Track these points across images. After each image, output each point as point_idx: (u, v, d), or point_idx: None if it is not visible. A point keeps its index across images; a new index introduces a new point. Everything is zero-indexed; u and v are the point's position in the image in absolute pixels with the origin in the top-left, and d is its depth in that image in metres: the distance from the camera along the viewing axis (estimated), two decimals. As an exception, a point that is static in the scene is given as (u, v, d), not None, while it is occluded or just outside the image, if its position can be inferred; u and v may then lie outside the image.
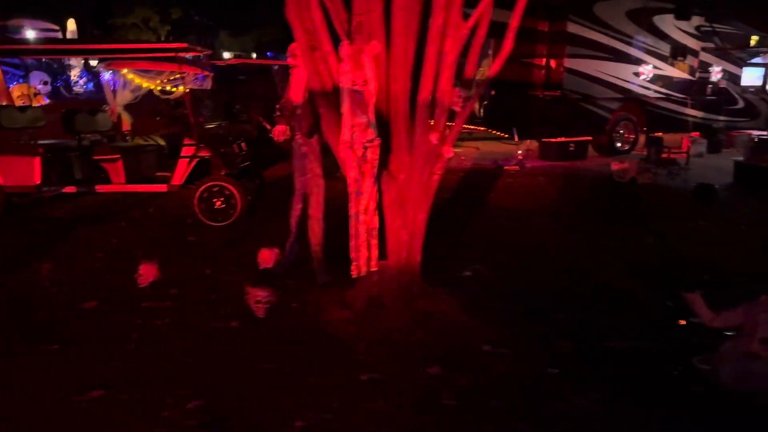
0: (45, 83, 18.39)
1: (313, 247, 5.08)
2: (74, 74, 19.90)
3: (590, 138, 13.70)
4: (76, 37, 21.77)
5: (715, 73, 14.87)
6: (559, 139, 13.23)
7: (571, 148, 13.44)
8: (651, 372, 4.17)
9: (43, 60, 18.42)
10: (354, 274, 4.49)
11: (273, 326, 4.54)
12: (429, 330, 4.67)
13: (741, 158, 11.45)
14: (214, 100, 12.35)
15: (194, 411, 3.57)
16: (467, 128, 13.42)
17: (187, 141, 7.48)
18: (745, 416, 3.69)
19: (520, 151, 12.63)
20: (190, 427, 3.43)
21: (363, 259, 4.42)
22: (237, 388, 3.80)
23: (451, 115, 4.57)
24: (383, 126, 4.53)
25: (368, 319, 4.68)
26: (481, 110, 12.82)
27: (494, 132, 13.10)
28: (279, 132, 4.82)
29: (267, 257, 4.95)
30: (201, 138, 7.53)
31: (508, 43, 4.26)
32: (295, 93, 4.88)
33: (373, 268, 4.53)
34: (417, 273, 4.86)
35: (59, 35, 21.70)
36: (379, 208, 4.60)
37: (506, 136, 12.90)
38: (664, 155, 11.23)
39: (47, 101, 15.41)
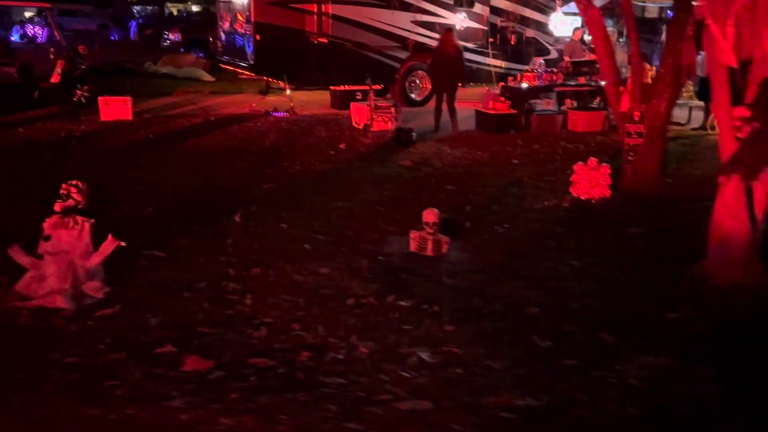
0: None
1: None
2: None
3: (380, 87, 13.87)
4: None
5: (519, 23, 14.94)
6: (343, 88, 13.40)
7: (358, 97, 13.60)
8: None
9: None
10: None
11: None
12: None
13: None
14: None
15: None
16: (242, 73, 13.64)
17: None
18: None
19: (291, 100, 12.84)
20: None
21: None
22: None
23: None
24: None
25: None
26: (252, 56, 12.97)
27: (265, 78, 13.28)
28: None
29: None
30: None
31: None
32: None
33: None
34: None
35: None
36: None
37: (279, 83, 13.08)
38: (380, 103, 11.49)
39: None
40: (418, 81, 14.23)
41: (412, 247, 5.85)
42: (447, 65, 11.06)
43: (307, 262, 5.39)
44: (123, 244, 5.03)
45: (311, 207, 6.97)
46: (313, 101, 14.01)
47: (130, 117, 11.25)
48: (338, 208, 6.98)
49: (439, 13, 13.69)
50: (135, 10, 41.06)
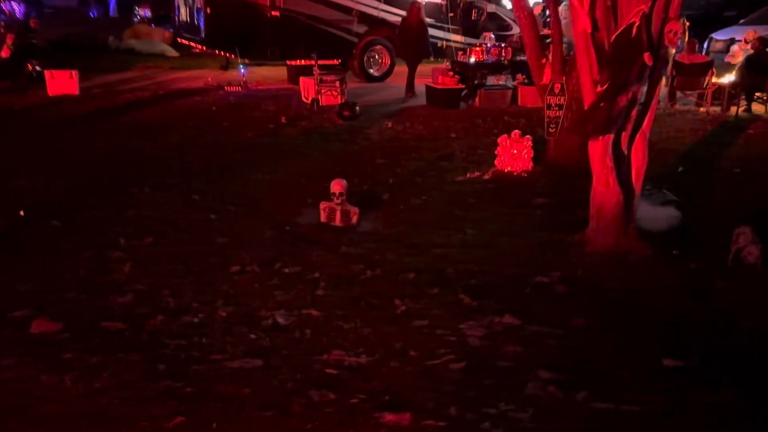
0: None
1: None
2: None
3: (337, 62, 13.79)
4: None
5: (478, -2, 14.87)
6: (299, 62, 13.33)
7: (315, 72, 13.56)
8: None
9: None
10: None
11: None
12: None
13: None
14: None
15: None
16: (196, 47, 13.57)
17: None
18: None
19: (244, 73, 12.80)
20: None
21: None
22: None
23: None
24: None
25: None
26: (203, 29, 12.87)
27: (218, 52, 13.22)
28: None
29: None
30: None
31: None
32: None
33: None
34: None
35: None
36: None
37: (232, 56, 13.02)
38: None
39: None
40: (377, 56, 14.17)
41: (322, 217, 5.89)
42: (409, 37, 11.81)
43: (206, 232, 5.42)
44: (21, 213, 5.08)
45: (233, 179, 6.99)
46: (273, 76, 13.96)
47: (76, 91, 11.18)
48: (260, 180, 7.01)
49: (395, -14, 13.57)
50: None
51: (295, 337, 3.56)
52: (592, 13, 4.17)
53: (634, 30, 3.95)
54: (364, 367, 3.24)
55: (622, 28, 3.99)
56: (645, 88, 4.52)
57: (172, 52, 17.09)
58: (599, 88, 4.20)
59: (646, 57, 4.01)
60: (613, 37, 4.07)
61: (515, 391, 3.01)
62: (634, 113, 4.38)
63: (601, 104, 4.13)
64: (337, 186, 5.86)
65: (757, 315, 3.82)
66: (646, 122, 4.49)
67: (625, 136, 4.49)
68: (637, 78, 4.10)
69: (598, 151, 4.43)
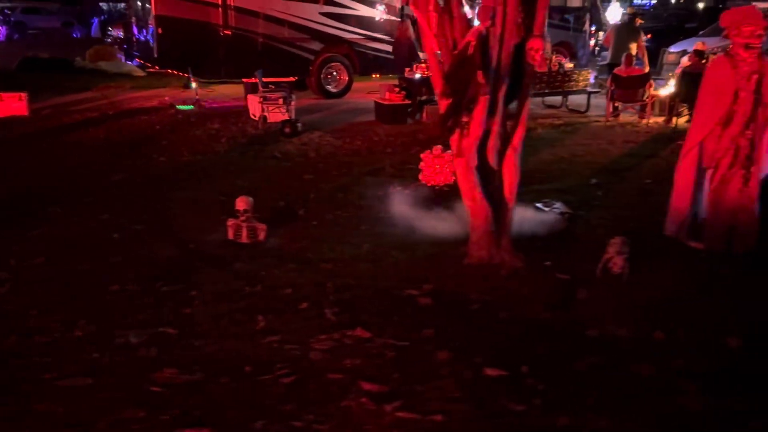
0: None
1: None
2: None
3: (294, 79, 13.92)
4: None
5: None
6: (255, 80, 13.46)
7: (271, 89, 13.69)
8: None
9: None
10: None
11: None
12: None
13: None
14: None
15: None
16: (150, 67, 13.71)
17: None
18: None
19: (197, 91, 12.91)
20: None
21: None
22: None
23: None
24: None
25: None
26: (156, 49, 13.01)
27: (171, 71, 13.35)
28: None
29: None
30: None
31: None
32: None
33: None
34: None
35: None
36: None
37: (186, 75, 13.14)
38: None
39: None
40: (334, 73, 14.31)
41: (230, 234, 5.94)
42: (399, 52, 13.12)
43: (104, 251, 5.43)
44: None
45: (153, 196, 7.00)
46: (231, 93, 14.07)
47: (25, 113, 11.28)
48: (180, 198, 7.03)
49: (347, 4, 13.75)
50: (103, 8, 40.97)
51: (139, 355, 3.59)
52: (452, 33, 4.25)
53: (470, 49, 4.03)
54: (192, 384, 3.26)
55: (460, 47, 4.08)
56: (515, 104, 4.60)
57: (139, 72, 17.24)
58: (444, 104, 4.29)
59: (479, 75, 4.08)
60: (453, 55, 4.16)
61: (331, 403, 3.04)
62: (495, 128, 4.44)
63: (442, 120, 4.21)
64: (241, 203, 5.90)
65: (605, 323, 3.86)
66: (516, 138, 4.55)
67: (491, 152, 4.55)
68: (477, 95, 4.17)
69: (462, 167, 4.50)
